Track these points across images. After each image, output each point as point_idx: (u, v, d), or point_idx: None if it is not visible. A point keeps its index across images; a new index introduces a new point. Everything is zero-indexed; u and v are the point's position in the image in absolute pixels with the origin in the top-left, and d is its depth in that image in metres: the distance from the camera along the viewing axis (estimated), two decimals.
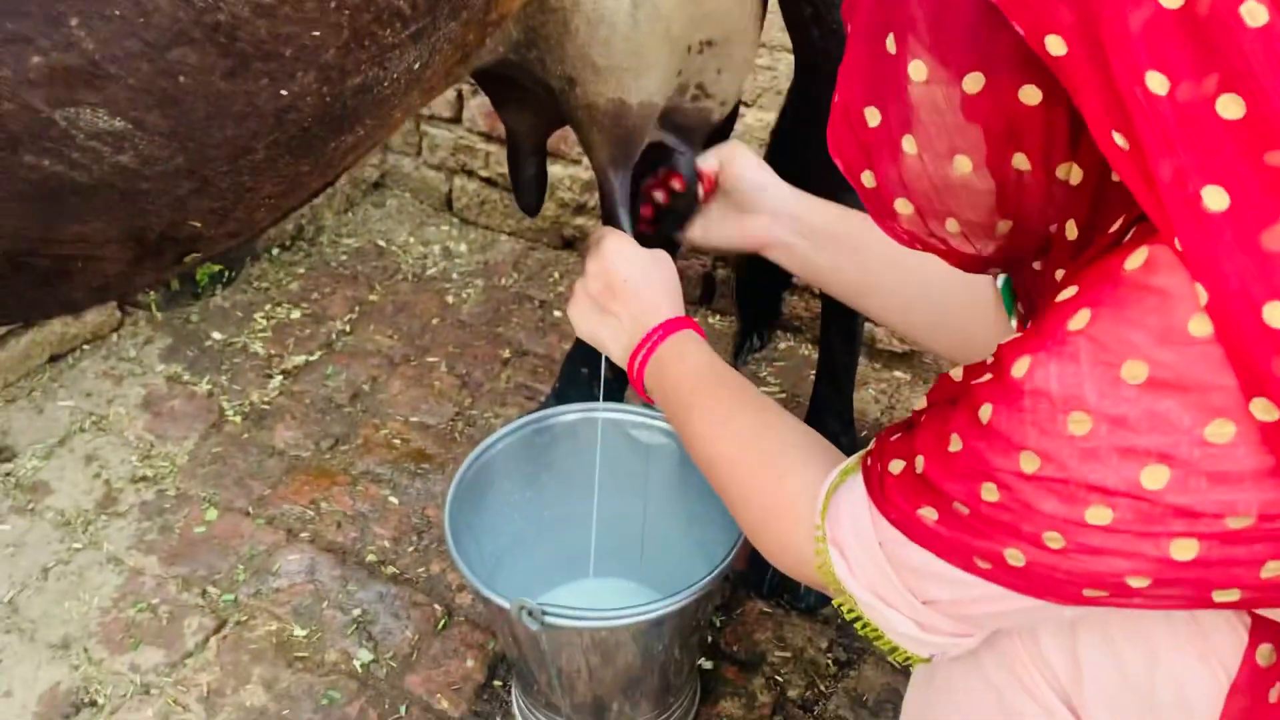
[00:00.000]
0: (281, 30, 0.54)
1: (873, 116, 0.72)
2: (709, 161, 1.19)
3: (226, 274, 2.20)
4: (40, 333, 1.97)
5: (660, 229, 1.22)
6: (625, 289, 1.07)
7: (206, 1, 0.51)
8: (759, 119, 2.08)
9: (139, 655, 1.49)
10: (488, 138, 2.41)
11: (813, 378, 1.77)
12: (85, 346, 2.05)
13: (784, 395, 2.02)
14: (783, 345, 2.15)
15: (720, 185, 1.19)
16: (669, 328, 1.04)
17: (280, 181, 0.68)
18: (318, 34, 0.56)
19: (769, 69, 2.02)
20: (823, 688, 1.50)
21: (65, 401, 1.93)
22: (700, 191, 1.20)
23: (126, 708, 1.42)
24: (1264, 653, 0.71)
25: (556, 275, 2.37)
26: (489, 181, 2.45)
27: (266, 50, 0.55)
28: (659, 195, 1.20)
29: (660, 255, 1.11)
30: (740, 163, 1.17)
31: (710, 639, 1.56)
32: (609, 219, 1.20)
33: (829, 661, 1.53)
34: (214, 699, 1.44)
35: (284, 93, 0.58)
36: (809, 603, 1.61)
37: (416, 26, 0.63)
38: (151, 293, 2.05)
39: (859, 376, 2.03)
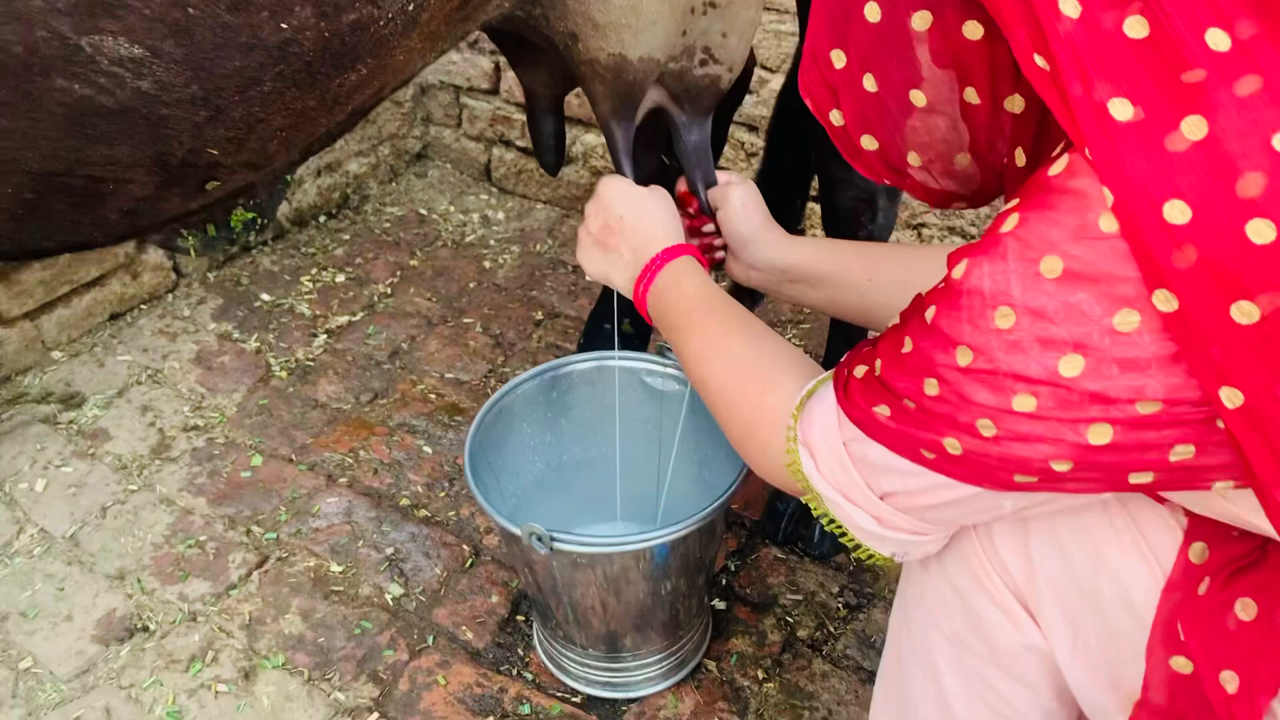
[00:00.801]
0: None
1: (838, 58, 0.78)
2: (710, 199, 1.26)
3: (260, 221, 2.30)
4: (101, 292, 2.10)
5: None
6: (623, 224, 1.14)
7: None
8: None
9: (187, 586, 1.60)
10: (524, 108, 2.48)
11: None
12: (143, 306, 2.18)
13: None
14: (807, 309, 2.19)
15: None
16: (666, 256, 1.10)
17: (289, 115, 0.76)
18: None
19: (793, 34, 2.06)
20: (832, 629, 1.55)
21: (124, 356, 2.06)
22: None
23: (175, 633, 1.53)
24: (1197, 550, 0.76)
25: None
26: (526, 151, 2.53)
27: None
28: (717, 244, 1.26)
29: (657, 190, 1.17)
30: (728, 209, 1.23)
31: (725, 582, 1.62)
32: (615, 166, 1.26)
33: (839, 605, 1.59)
34: (255, 627, 1.54)
35: (284, 26, 0.65)
36: (822, 550, 1.66)
37: None
38: (190, 237, 2.16)
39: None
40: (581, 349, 1.92)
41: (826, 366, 1.75)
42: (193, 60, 0.64)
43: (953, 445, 0.70)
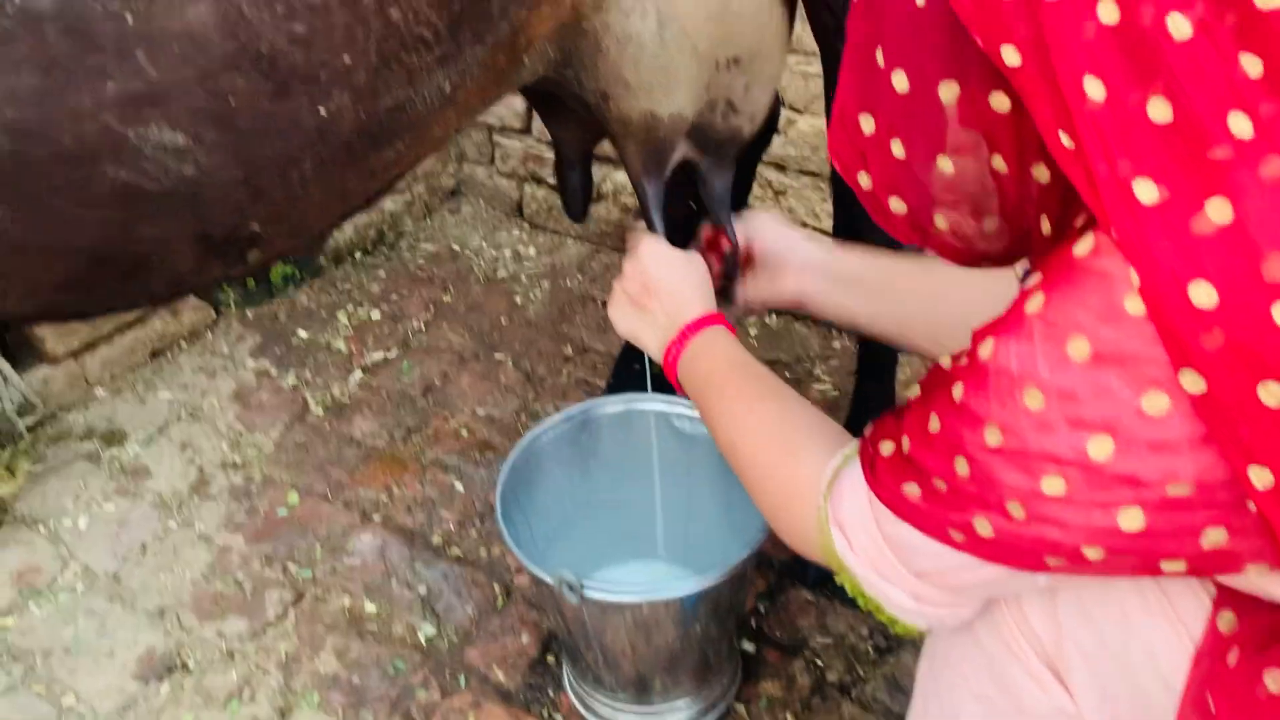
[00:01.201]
0: (315, 57, 0.64)
1: (866, 123, 0.78)
2: (741, 235, 1.27)
3: (298, 274, 2.35)
4: (143, 331, 2.14)
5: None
6: (660, 287, 1.15)
7: (250, 34, 0.61)
8: (811, 125, 2.13)
9: (225, 624, 1.62)
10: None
11: None
12: (183, 343, 2.22)
13: (836, 393, 2.07)
14: (836, 344, 2.20)
15: (752, 255, 1.26)
16: (700, 324, 1.12)
17: (328, 191, 0.78)
18: (348, 59, 0.66)
19: (819, 75, 2.07)
20: (862, 672, 1.55)
21: (164, 394, 2.10)
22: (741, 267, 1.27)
23: (213, 670, 1.55)
24: (1225, 619, 0.75)
25: None
26: (557, 188, 2.56)
27: (303, 75, 0.65)
28: (713, 261, 1.27)
29: (692, 256, 1.19)
30: (763, 232, 1.24)
31: (754, 624, 1.62)
32: (646, 223, 1.28)
33: (869, 648, 1.58)
34: (291, 665, 1.56)
35: (323, 111, 0.67)
36: None
37: (441, 51, 0.72)
38: (230, 291, 2.21)
39: (912, 375, 2.07)
40: (611, 388, 1.93)
41: (854, 408, 1.77)
42: (234, 146, 0.66)
43: (983, 527, 0.70)
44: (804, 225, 2.24)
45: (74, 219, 0.67)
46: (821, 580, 1.68)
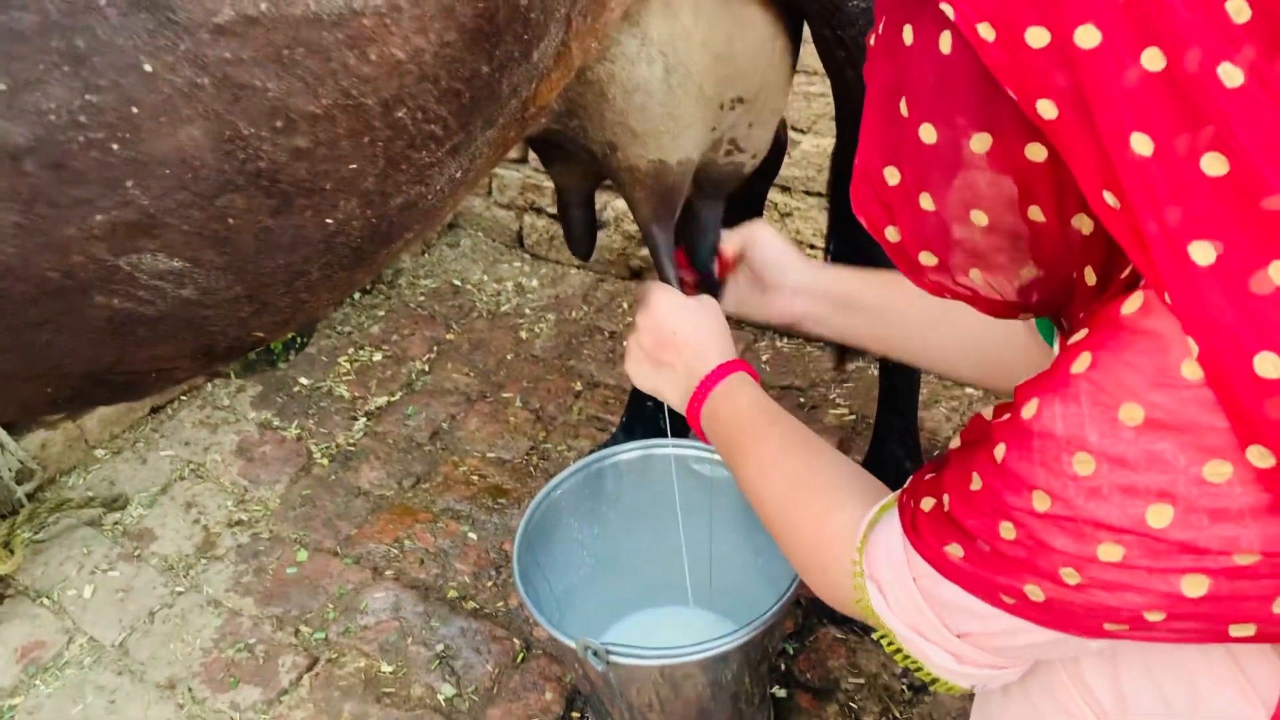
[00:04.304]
0: (319, 168, 0.59)
1: (891, 176, 0.74)
2: (731, 243, 1.22)
3: (300, 340, 2.29)
4: None
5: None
6: (675, 340, 1.11)
7: (247, 152, 0.57)
8: (815, 145, 2.09)
9: (238, 694, 1.58)
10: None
11: None
12: (183, 397, 2.17)
13: (853, 417, 2.03)
14: (851, 367, 2.15)
15: (745, 264, 1.22)
16: (721, 372, 1.08)
17: (334, 290, 0.74)
18: (355, 166, 0.61)
19: (823, 95, 2.03)
20: (897, 713, 1.51)
21: (166, 451, 2.05)
22: (716, 270, 1.23)
23: None
24: None
25: (625, 305, 2.41)
26: (557, 218, 2.51)
27: (307, 187, 0.60)
28: (687, 279, 1.24)
29: (707, 301, 1.14)
30: (760, 245, 1.20)
31: (784, 667, 1.58)
32: (657, 270, 1.24)
33: (903, 687, 1.54)
34: None
35: (329, 221, 0.63)
36: None
37: (452, 143, 0.67)
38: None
39: (930, 395, 2.03)
40: (624, 427, 1.89)
41: (875, 439, 1.73)
42: (235, 265, 0.62)
43: (1034, 592, 0.67)
44: (811, 248, 2.20)
45: (64, 349, 0.63)
46: (849, 617, 1.64)
